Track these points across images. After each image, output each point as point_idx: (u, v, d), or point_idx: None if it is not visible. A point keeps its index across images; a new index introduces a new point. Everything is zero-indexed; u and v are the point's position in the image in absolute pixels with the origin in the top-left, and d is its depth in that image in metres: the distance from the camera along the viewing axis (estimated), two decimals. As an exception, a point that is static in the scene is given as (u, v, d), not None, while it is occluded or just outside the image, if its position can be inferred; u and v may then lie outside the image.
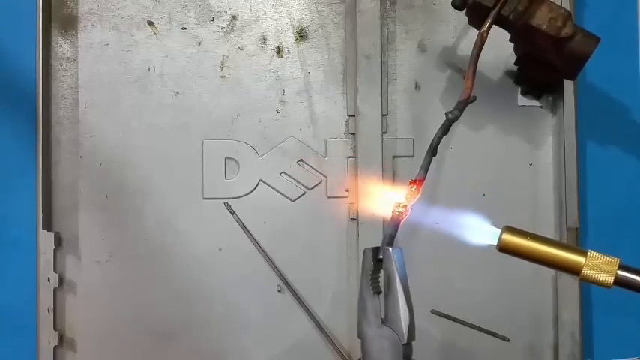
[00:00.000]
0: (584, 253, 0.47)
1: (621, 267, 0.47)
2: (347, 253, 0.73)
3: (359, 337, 0.54)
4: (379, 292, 0.54)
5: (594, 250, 0.47)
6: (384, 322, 0.53)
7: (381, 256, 0.53)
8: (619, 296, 0.71)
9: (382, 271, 0.53)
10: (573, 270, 0.47)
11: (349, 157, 0.73)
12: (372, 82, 0.72)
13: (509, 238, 0.48)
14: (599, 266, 0.47)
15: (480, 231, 0.50)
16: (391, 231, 0.53)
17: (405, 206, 0.53)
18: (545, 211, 0.73)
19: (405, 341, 0.51)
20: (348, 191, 0.73)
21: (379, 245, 0.54)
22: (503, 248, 0.48)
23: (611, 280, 0.47)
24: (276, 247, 0.73)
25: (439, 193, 0.73)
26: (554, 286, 0.72)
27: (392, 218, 0.53)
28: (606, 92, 0.76)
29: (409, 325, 0.51)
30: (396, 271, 0.51)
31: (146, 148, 0.73)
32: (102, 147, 0.73)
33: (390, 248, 0.52)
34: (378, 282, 0.53)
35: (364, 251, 0.54)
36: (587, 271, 0.47)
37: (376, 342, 0.53)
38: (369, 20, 0.72)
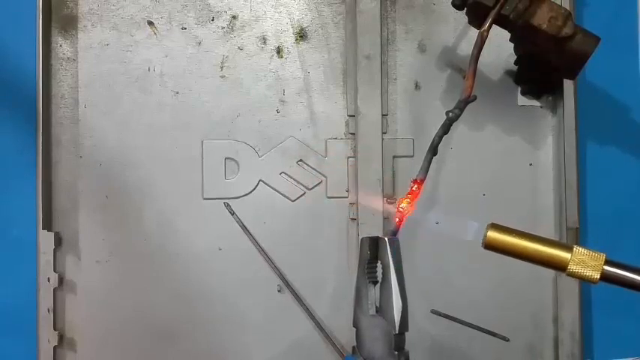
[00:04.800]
0: (569, 249, 0.47)
1: (607, 262, 0.47)
2: (347, 254, 0.73)
3: (354, 326, 0.54)
4: (375, 282, 0.54)
5: (580, 246, 0.47)
6: (378, 311, 0.53)
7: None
8: (619, 296, 0.72)
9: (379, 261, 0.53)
10: (559, 266, 0.47)
11: (349, 157, 0.73)
12: (372, 82, 0.72)
13: (494, 235, 0.48)
14: (585, 262, 0.47)
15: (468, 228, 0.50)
16: (394, 228, 0.53)
17: (409, 203, 0.53)
18: (545, 211, 0.73)
19: (397, 331, 0.51)
20: (348, 191, 0.73)
21: (377, 235, 0.54)
22: (489, 245, 0.48)
23: (597, 275, 0.47)
24: (276, 247, 0.73)
25: (439, 193, 0.73)
26: (554, 286, 0.72)
27: (395, 216, 0.54)
28: (606, 92, 0.76)
29: (401, 316, 0.51)
30: (391, 262, 0.51)
31: (146, 148, 0.73)
32: (102, 147, 0.73)
33: (386, 238, 0.52)
34: (375, 272, 0.54)
35: (361, 240, 0.54)
36: (573, 267, 0.47)
37: (369, 331, 0.53)
38: (369, 20, 0.72)
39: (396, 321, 0.50)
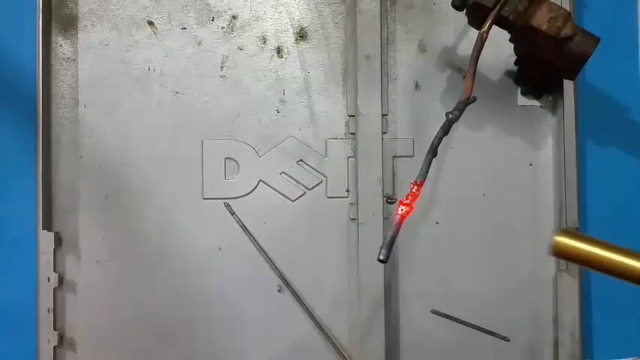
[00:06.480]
0: None
1: None
2: (347, 253, 0.73)
3: None
4: None
5: None
6: None
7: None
8: (619, 296, 0.72)
9: None
10: (634, 277, 0.44)
11: (349, 157, 0.73)
12: (372, 82, 0.72)
13: (563, 241, 0.45)
14: None
15: None
16: (393, 232, 0.53)
17: (409, 205, 0.53)
18: (545, 211, 0.73)
19: None
20: (348, 191, 0.73)
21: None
22: (557, 252, 0.44)
23: None
24: (276, 247, 0.73)
25: (439, 193, 0.73)
26: (554, 286, 0.72)
27: (395, 218, 0.53)
28: (606, 92, 0.76)
29: None
30: None
31: (146, 148, 0.73)
32: (102, 147, 0.73)
33: None
34: None
35: None
36: None
37: None
38: (369, 20, 0.72)
39: None
